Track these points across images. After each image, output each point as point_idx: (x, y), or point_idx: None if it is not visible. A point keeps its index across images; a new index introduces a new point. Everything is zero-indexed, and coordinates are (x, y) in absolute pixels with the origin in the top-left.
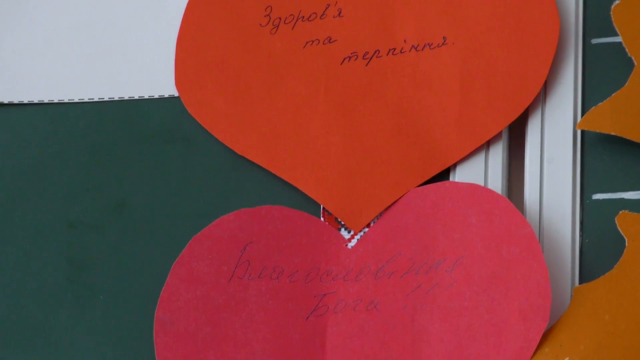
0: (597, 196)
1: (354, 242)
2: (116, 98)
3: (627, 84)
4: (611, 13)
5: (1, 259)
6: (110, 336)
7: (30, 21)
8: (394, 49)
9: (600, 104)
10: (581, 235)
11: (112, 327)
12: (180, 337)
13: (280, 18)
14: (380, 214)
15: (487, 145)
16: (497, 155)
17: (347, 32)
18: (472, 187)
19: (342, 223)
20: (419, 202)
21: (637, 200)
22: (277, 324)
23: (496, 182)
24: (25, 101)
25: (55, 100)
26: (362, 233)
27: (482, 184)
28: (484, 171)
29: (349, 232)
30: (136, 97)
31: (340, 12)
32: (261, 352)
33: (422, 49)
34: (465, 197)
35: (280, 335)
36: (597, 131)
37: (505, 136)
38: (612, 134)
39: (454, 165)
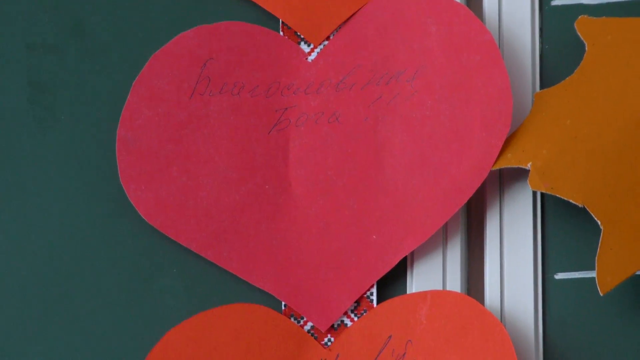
0: (556, 2)
1: (313, 55)
2: None
3: None
4: None
5: None
6: (72, 157)
7: None
8: None
9: None
10: (541, 42)
11: (74, 147)
12: (143, 155)
13: None
14: (340, 27)
15: None
16: None
17: None
18: None
19: (302, 37)
20: (378, 13)
21: (596, 5)
22: (240, 139)
23: None
24: None
25: None
26: (321, 46)
27: None
28: None
29: (309, 45)
30: None
31: None
32: (224, 167)
33: None
34: (424, 7)
35: (242, 150)
36: None
37: None
38: None
39: None
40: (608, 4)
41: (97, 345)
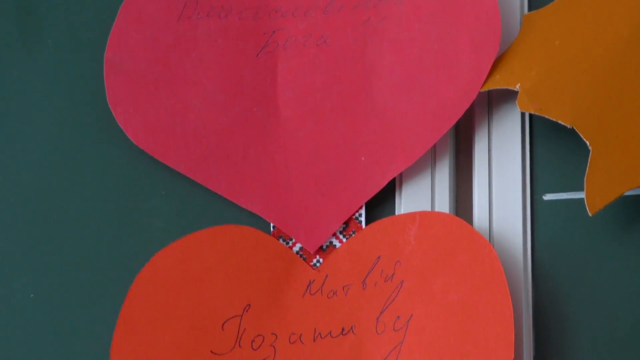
0: None
1: None
2: None
3: None
4: None
5: None
6: (60, 80)
7: None
8: None
9: None
10: None
11: (62, 71)
12: (131, 78)
13: None
14: None
15: None
16: None
17: None
18: None
19: None
20: None
21: None
22: (228, 62)
23: None
24: None
25: None
26: None
27: None
28: None
29: None
30: None
31: None
32: (213, 90)
33: None
34: None
35: (231, 73)
36: None
37: None
38: None
39: None
40: None
41: (86, 267)
